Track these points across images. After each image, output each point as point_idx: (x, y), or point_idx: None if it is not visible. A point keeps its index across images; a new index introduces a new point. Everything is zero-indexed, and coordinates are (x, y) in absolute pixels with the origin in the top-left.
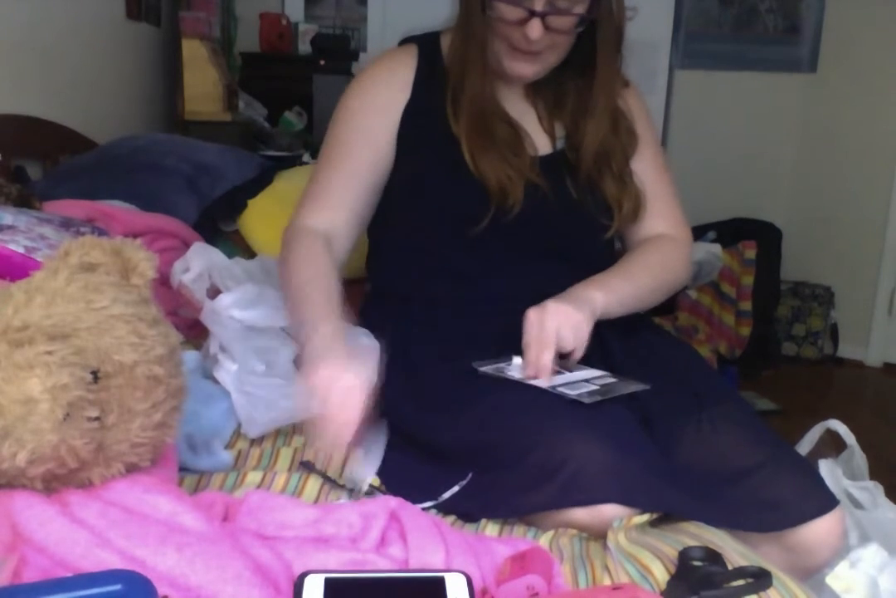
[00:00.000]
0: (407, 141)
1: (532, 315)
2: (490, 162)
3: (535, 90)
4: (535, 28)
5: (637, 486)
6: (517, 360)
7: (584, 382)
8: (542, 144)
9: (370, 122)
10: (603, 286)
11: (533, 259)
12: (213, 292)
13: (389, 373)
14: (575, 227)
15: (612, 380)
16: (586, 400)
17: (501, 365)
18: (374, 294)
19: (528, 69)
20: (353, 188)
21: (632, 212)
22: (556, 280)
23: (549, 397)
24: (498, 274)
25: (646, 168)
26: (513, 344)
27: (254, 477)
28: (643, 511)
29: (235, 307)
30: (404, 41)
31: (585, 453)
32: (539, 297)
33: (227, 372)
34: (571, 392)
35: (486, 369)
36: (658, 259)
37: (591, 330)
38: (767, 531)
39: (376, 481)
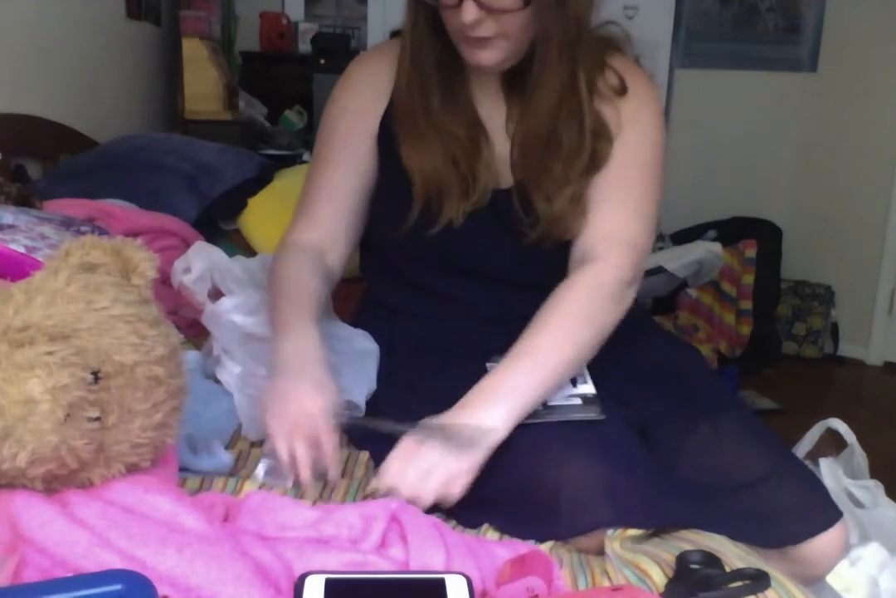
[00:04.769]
0: (385, 143)
1: (399, 455)
2: (418, 150)
3: (509, 88)
4: (469, 11)
5: (636, 505)
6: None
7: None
8: (503, 172)
9: (351, 126)
10: (512, 396)
11: (483, 279)
12: (215, 293)
13: (382, 380)
14: (525, 257)
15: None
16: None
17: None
18: (364, 298)
19: (484, 56)
20: (340, 197)
21: (564, 221)
22: (521, 294)
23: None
24: (459, 288)
25: (617, 176)
26: (497, 351)
27: (251, 486)
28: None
29: (236, 312)
30: (395, 34)
31: (579, 478)
32: (506, 308)
33: (230, 373)
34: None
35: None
36: (584, 314)
37: (469, 481)
38: (772, 546)
39: None
